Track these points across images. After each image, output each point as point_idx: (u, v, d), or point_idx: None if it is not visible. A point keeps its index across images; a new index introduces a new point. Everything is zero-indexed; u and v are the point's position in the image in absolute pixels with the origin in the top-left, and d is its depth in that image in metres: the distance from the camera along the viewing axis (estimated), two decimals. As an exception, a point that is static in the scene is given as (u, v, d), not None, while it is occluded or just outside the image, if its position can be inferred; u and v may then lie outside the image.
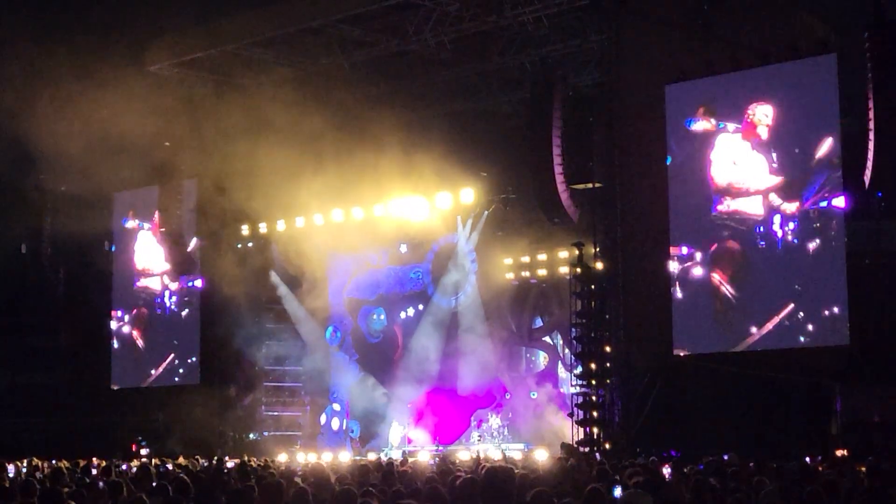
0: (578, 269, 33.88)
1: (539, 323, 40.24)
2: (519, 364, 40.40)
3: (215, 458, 31.65)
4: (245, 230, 41.94)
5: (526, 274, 39.58)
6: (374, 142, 34.75)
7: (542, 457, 29.04)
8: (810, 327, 29.41)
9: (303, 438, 42.88)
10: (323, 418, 43.54)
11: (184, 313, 43.61)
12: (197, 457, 31.20)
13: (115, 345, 45.40)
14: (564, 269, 36.95)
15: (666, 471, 18.91)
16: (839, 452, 26.29)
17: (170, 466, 25.90)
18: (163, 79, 38.16)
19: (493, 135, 37.41)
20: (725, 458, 23.16)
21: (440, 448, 36.80)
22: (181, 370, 43.16)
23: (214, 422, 41.50)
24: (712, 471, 17.74)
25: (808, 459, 23.75)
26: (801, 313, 29.51)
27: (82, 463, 25.20)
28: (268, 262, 41.92)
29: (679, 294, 31.51)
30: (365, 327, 43.31)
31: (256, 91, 37.74)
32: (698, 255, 31.31)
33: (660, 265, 31.85)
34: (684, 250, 31.54)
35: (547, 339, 39.96)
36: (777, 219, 30.02)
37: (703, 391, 30.37)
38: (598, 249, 33.37)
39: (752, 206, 30.40)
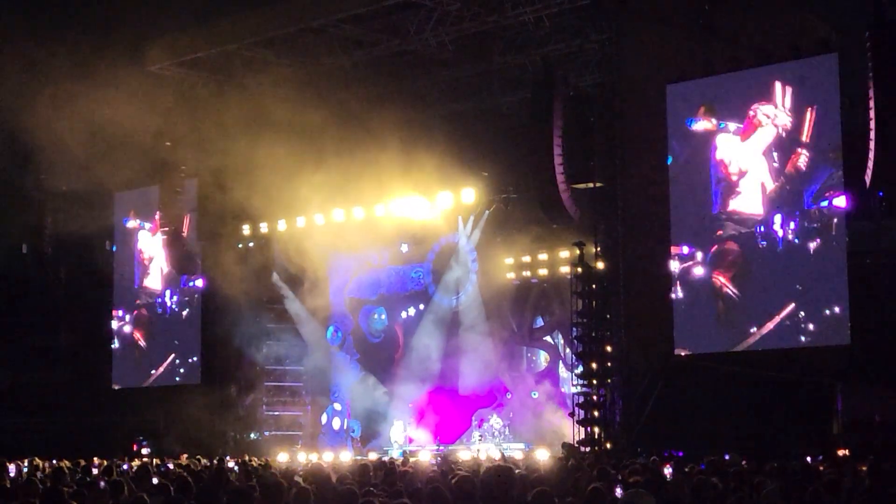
0: (579, 269, 33.88)
1: (540, 322, 40.23)
2: (520, 364, 40.39)
3: (216, 457, 31.62)
4: (246, 230, 41.91)
5: (527, 273, 39.58)
6: (374, 141, 34.74)
7: (543, 456, 29.04)
8: (811, 327, 29.41)
9: (304, 438, 42.88)
10: (324, 418, 43.54)
11: (184, 313, 43.63)
12: (198, 456, 31.17)
13: (116, 344, 45.44)
14: (565, 269, 36.96)
15: (667, 470, 18.90)
16: (840, 452, 26.27)
17: (171, 466, 25.92)
18: (163, 78, 38.16)
19: (494, 134, 37.38)
20: (726, 457, 23.18)
21: (441, 448, 36.80)
22: (182, 370, 43.18)
23: (215, 421, 41.50)
24: (713, 470, 17.75)
25: (808, 459, 23.76)
26: (802, 313, 29.51)
27: (83, 463, 25.21)
28: (269, 262, 41.92)
29: (680, 294, 31.52)
30: (366, 327, 43.32)
31: (257, 91, 37.71)
32: (699, 255, 31.32)
33: (661, 265, 31.86)
34: (685, 250, 31.55)
35: (548, 338, 39.95)
36: (778, 218, 30.03)
37: (703, 391, 30.35)
38: (598, 249, 33.38)
39: (753, 206, 30.40)
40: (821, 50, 29.59)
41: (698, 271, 31.34)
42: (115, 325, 45.51)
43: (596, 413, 32.73)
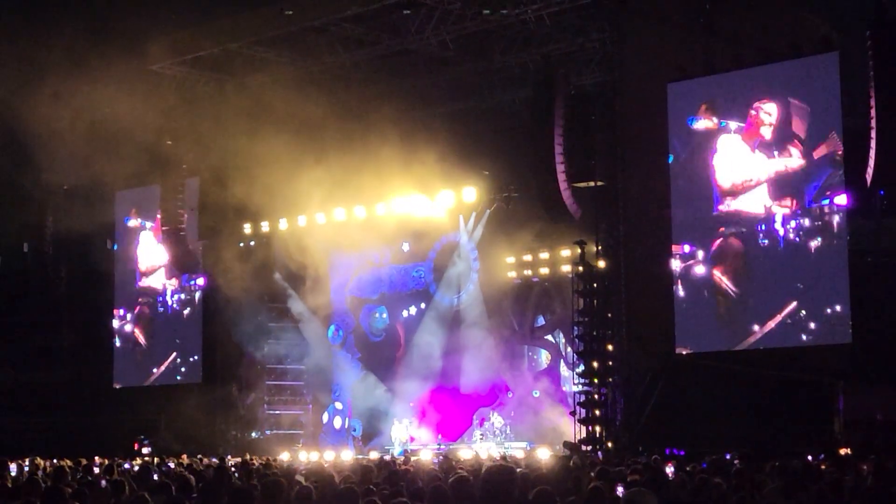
0: (580, 268, 33.90)
1: (541, 321, 40.22)
2: (521, 362, 40.38)
3: (217, 457, 31.62)
4: (247, 229, 41.93)
5: (528, 272, 39.57)
6: (375, 140, 34.73)
7: (544, 455, 29.05)
8: (812, 326, 29.41)
9: (305, 437, 42.89)
10: (325, 417, 43.56)
11: (186, 312, 43.64)
12: (199, 456, 31.18)
13: (117, 343, 45.45)
14: (566, 268, 36.96)
15: (669, 470, 18.89)
16: (842, 451, 26.26)
17: (172, 465, 25.91)
18: (165, 77, 38.18)
19: (495, 133, 37.39)
20: (728, 456, 23.16)
21: (442, 447, 36.79)
22: (183, 369, 43.19)
23: (216, 421, 41.54)
24: (715, 469, 17.74)
25: (810, 458, 23.75)
26: (804, 312, 29.51)
27: (84, 462, 25.21)
28: (270, 261, 41.91)
29: (681, 292, 31.51)
30: (367, 326, 43.32)
31: (258, 89, 37.72)
32: (700, 254, 31.32)
33: (662, 263, 31.86)
34: (686, 249, 31.55)
35: (549, 337, 39.94)
36: (779, 217, 30.03)
37: (705, 390, 30.34)
38: (600, 248, 33.39)
39: (754, 205, 30.40)
40: (822, 49, 29.59)
41: (699, 270, 31.34)
42: (116, 324, 45.53)
43: (597, 412, 32.74)
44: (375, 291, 43.06)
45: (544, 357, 40.13)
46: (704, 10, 31.13)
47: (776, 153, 30.07)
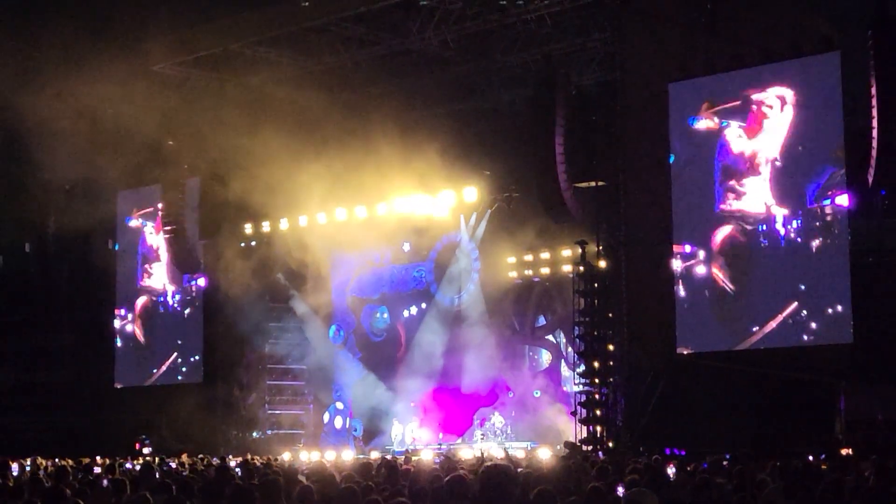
0: (581, 268, 33.91)
1: (542, 321, 40.21)
2: (522, 362, 40.37)
3: (218, 456, 31.62)
4: (248, 228, 41.95)
5: (529, 272, 39.55)
6: (377, 140, 34.74)
7: (545, 455, 29.04)
8: (814, 325, 29.41)
9: (306, 437, 42.90)
10: (326, 417, 43.56)
11: (187, 312, 43.65)
12: (200, 455, 31.19)
13: (119, 343, 45.44)
14: (567, 268, 36.95)
15: (670, 470, 18.90)
16: (843, 451, 26.26)
17: (173, 465, 25.92)
18: (166, 77, 38.18)
19: (496, 133, 37.39)
20: (728, 456, 23.15)
21: (443, 447, 36.78)
22: (184, 369, 43.19)
23: (217, 420, 41.54)
24: (716, 469, 17.74)
25: (811, 458, 23.75)
26: (805, 312, 29.51)
27: (85, 461, 25.23)
28: (271, 261, 41.90)
29: (682, 292, 31.51)
30: (368, 326, 43.32)
31: (259, 90, 37.75)
32: (701, 254, 31.30)
33: (663, 263, 31.86)
34: (687, 248, 31.54)
35: (550, 337, 39.93)
36: (780, 217, 30.02)
37: (706, 390, 30.34)
38: (601, 248, 33.39)
39: (756, 205, 30.39)
40: (823, 48, 29.58)
41: (700, 270, 31.33)
42: (117, 323, 45.52)
43: (598, 412, 32.75)
44: (376, 291, 43.06)
45: (545, 357, 40.12)
46: (705, 10, 31.12)
47: (777, 153, 30.05)
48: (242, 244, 41.93)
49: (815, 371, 29.74)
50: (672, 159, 31.84)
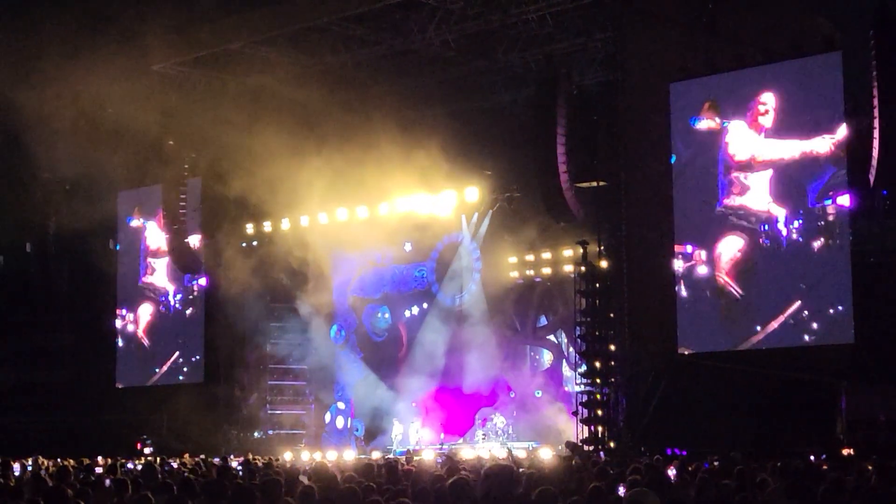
0: (583, 268, 33.90)
1: (543, 321, 40.21)
2: (523, 362, 40.37)
3: (220, 456, 31.61)
4: (249, 228, 41.97)
5: (530, 272, 39.54)
6: (378, 140, 34.74)
7: (546, 455, 29.05)
8: (815, 326, 29.40)
9: (307, 437, 42.89)
10: (327, 417, 43.54)
11: (188, 312, 43.65)
12: (201, 455, 31.19)
13: (120, 343, 45.45)
14: (569, 268, 36.94)
15: (671, 471, 18.89)
16: (844, 451, 26.26)
17: (174, 465, 25.91)
18: (167, 77, 38.16)
19: (498, 133, 37.37)
20: (730, 456, 23.13)
21: (444, 447, 36.77)
22: (185, 369, 43.20)
23: (218, 420, 41.53)
24: (717, 470, 17.73)
25: (812, 458, 23.74)
26: (806, 312, 29.50)
27: (87, 461, 25.23)
28: (272, 261, 41.88)
29: (683, 292, 31.51)
30: (369, 326, 43.32)
31: (260, 89, 37.74)
32: (703, 254, 31.30)
33: (664, 264, 31.85)
34: (689, 249, 31.54)
35: (551, 337, 39.92)
36: (782, 217, 30.02)
37: (707, 390, 30.33)
38: (602, 248, 33.38)
39: (757, 205, 30.39)
40: (824, 48, 29.57)
41: (702, 270, 31.32)
42: (118, 323, 45.53)
43: (599, 412, 32.74)
44: (378, 291, 43.05)
45: (546, 357, 40.12)
46: (707, 10, 31.11)
47: (778, 153, 30.05)
48: (243, 244, 41.95)
49: (816, 371, 29.72)
50: (673, 159, 31.84)
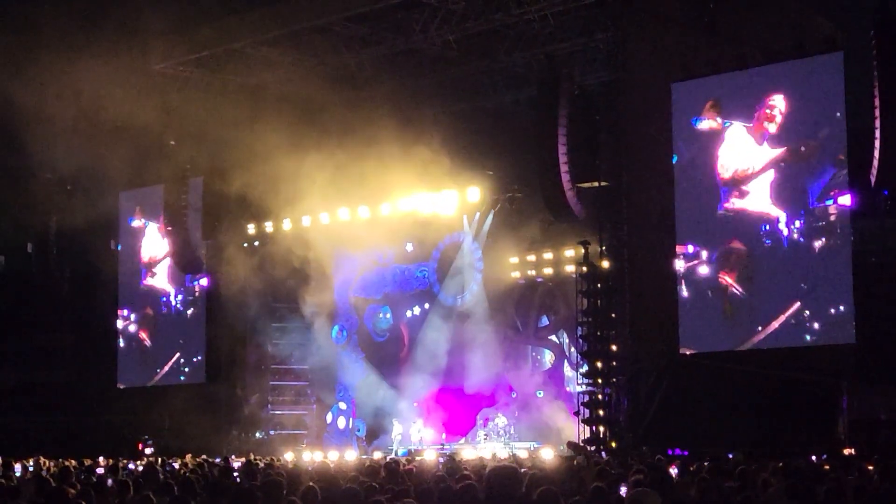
0: (584, 268, 33.89)
1: (545, 321, 40.19)
2: (525, 363, 40.34)
3: (221, 457, 31.62)
4: (251, 228, 41.97)
5: (532, 272, 39.51)
6: (380, 140, 34.72)
7: (548, 455, 29.05)
8: (816, 326, 29.40)
9: (309, 437, 42.87)
10: (329, 417, 43.53)
11: (189, 312, 43.66)
12: (203, 456, 31.19)
13: (121, 344, 45.46)
14: (570, 268, 36.93)
15: (673, 470, 18.89)
16: (846, 451, 26.25)
17: (176, 465, 25.93)
18: (168, 77, 38.16)
19: (499, 133, 37.34)
20: (731, 456, 23.16)
21: (446, 447, 36.77)
22: (187, 369, 43.20)
23: (220, 421, 41.54)
24: (719, 470, 17.72)
25: (813, 458, 23.74)
26: (808, 312, 29.50)
27: (88, 462, 25.24)
28: (273, 261, 41.86)
29: (685, 293, 31.51)
30: (371, 326, 43.30)
31: (262, 89, 37.74)
32: (704, 254, 31.30)
33: (666, 264, 31.86)
34: (690, 249, 31.54)
35: (553, 337, 39.90)
36: (783, 217, 30.01)
37: (708, 390, 30.34)
38: (604, 248, 33.38)
39: (758, 205, 30.38)
40: (826, 48, 29.56)
41: (703, 270, 31.33)
42: (120, 324, 45.54)
43: (601, 412, 32.74)
44: (379, 291, 43.04)
45: (548, 357, 40.10)
46: (708, 10, 31.11)
47: (780, 153, 30.05)
48: (245, 244, 41.94)
49: (817, 371, 29.73)
50: (675, 159, 31.84)
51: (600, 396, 32.81)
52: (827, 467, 18.99)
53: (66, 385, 46.19)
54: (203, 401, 40.64)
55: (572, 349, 37.05)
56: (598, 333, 33.19)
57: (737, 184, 30.68)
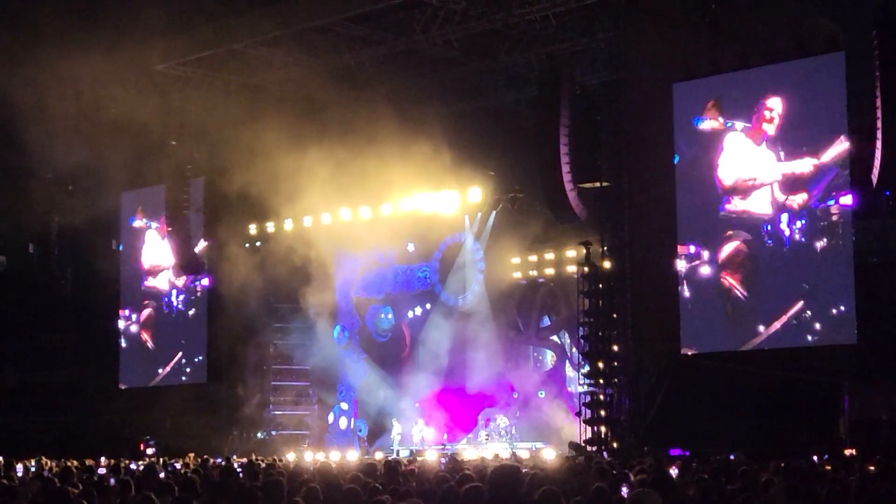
0: (586, 268, 33.90)
1: (547, 322, 40.22)
2: (526, 363, 40.38)
3: (223, 457, 31.63)
4: (253, 229, 41.98)
5: (533, 273, 39.54)
6: (381, 140, 34.73)
7: (549, 456, 29.06)
8: (818, 326, 29.38)
9: (310, 437, 42.88)
10: (330, 417, 43.54)
11: (191, 312, 43.66)
12: (205, 456, 31.21)
13: (123, 344, 45.48)
14: (572, 268, 36.94)
15: (673, 471, 18.88)
16: (847, 451, 26.24)
17: (177, 466, 25.93)
18: (170, 78, 38.16)
19: (501, 133, 37.37)
20: (733, 457, 23.15)
21: (448, 447, 36.79)
22: (188, 369, 43.20)
23: (221, 421, 41.54)
24: (720, 470, 17.72)
25: (815, 458, 23.73)
26: (809, 312, 29.48)
27: (90, 462, 25.24)
28: (275, 261, 41.87)
29: (687, 293, 31.49)
30: (372, 326, 43.31)
31: (264, 90, 37.74)
32: (706, 254, 31.28)
33: (667, 264, 31.83)
34: (692, 249, 31.52)
35: (554, 337, 39.93)
36: (784, 217, 29.99)
37: (710, 390, 30.33)
38: (605, 248, 33.39)
39: (760, 205, 30.36)
40: (827, 48, 29.54)
41: (705, 270, 31.31)
42: (121, 324, 45.55)
43: (602, 412, 32.74)
44: (381, 292, 43.06)
45: (549, 357, 40.13)
46: (710, 10, 31.08)
47: (782, 153, 30.03)
48: (247, 244, 41.96)
49: (818, 371, 29.71)
50: (677, 159, 31.82)
51: (602, 397, 32.82)
52: (828, 468, 18.99)
53: (68, 385, 46.21)
54: (204, 401, 40.66)
55: (574, 349, 37.07)
56: (600, 334, 33.20)
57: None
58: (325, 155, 35.16)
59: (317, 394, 43.78)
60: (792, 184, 29.85)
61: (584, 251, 33.92)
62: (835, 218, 29.29)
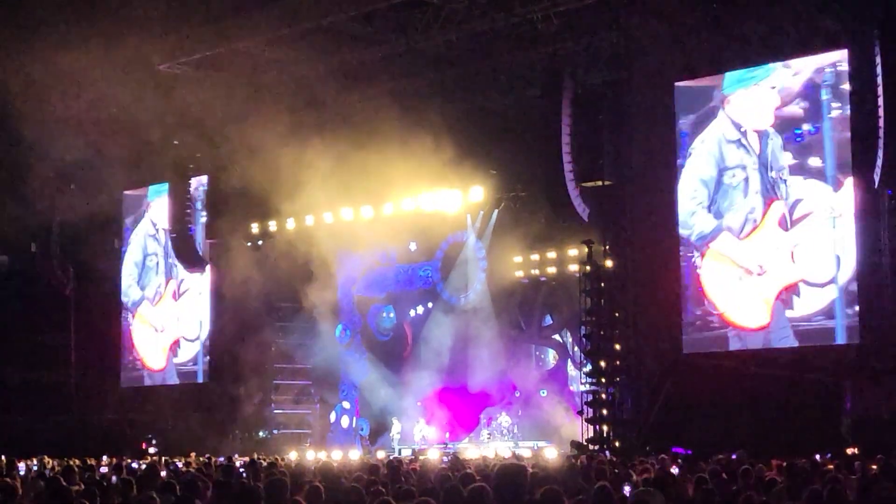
0: (588, 267, 33.86)
1: (548, 321, 40.21)
2: (528, 362, 40.38)
3: (225, 456, 31.64)
4: (255, 228, 41.96)
5: (535, 272, 39.51)
6: (382, 140, 34.72)
7: (551, 455, 29.05)
8: (821, 325, 29.35)
9: (312, 437, 42.89)
10: (332, 416, 43.56)
11: (192, 310, 43.64)
12: (207, 455, 31.21)
13: (124, 343, 45.46)
14: (574, 267, 36.90)
15: (675, 470, 18.89)
16: (849, 450, 26.23)
17: (179, 465, 25.94)
18: (172, 77, 38.15)
19: (503, 133, 37.33)
20: (735, 456, 23.14)
21: (449, 446, 36.80)
22: (190, 368, 43.19)
23: (223, 420, 41.53)
24: (722, 469, 17.72)
25: (817, 457, 23.72)
26: (811, 311, 29.45)
27: (91, 461, 25.24)
28: (277, 260, 41.90)
29: (689, 292, 31.45)
30: (374, 325, 43.32)
31: (266, 89, 37.73)
32: (708, 254, 31.24)
33: (669, 263, 31.80)
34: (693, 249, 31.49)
35: (556, 336, 39.94)
36: (786, 217, 29.97)
37: (712, 389, 30.32)
38: (607, 247, 33.36)
39: (762, 204, 30.33)
40: (830, 47, 29.53)
41: (706, 270, 31.26)
42: (122, 323, 45.55)
43: (604, 411, 32.71)
44: (383, 290, 43.07)
45: (551, 356, 40.13)
46: (712, 9, 31.07)
47: (783, 153, 30.02)
48: (249, 243, 41.96)
49: (821, 370, 29.69)
50: (679, 158, 31.80)
51: (604, 395, 32.79)
52: (830, 467, 18.99)
53: (70, 385, 46.20)
54: (206, 400, 40.64)
55: (576, 348, 37.06)
56: (602, 332, 33.18)
57: (742, 182, 30.64)
58: (326, 153, 35.16)
59: (318, 393, 43.79)
60: (793, 183, 29.82)
61: (587, 250, 33.87)
62: (837, 217, 29.26)
